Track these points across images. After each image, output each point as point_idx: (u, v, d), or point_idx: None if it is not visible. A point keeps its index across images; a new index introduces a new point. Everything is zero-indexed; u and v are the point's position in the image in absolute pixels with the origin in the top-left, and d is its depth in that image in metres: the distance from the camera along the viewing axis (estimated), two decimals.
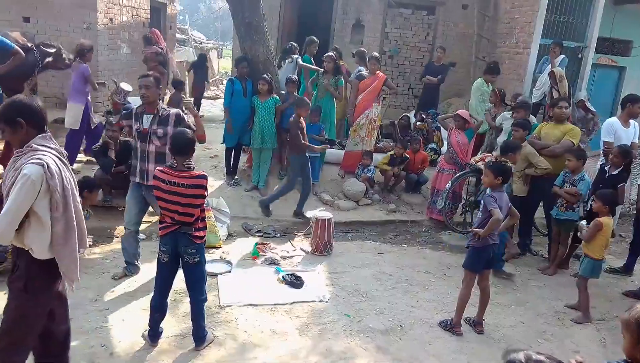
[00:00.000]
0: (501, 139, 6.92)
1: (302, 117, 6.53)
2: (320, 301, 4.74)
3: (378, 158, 7.86)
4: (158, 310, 3.85)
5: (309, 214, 6.70)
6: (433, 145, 8.67)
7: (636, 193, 6.72)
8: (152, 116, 4.49)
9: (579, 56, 10.30)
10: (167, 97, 8.98)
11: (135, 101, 6.45)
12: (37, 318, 2.86)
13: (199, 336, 3.85)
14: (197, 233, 3.67)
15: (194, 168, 3.65)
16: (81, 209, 2.94)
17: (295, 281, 4.99)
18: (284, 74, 7.71)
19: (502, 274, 5.54)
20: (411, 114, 9.48)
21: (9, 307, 2.82)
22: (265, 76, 6.97)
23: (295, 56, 7.95)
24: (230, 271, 5.19)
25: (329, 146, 7.29)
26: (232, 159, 7.41)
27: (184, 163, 3.60)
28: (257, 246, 5.88)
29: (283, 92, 7.29)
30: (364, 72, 7.93)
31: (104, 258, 5.32)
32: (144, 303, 4.25)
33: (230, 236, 6.19)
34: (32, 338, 2.88)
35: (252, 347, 3.96)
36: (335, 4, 11.84)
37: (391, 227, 6.98)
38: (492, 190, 4.31)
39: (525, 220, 6.29)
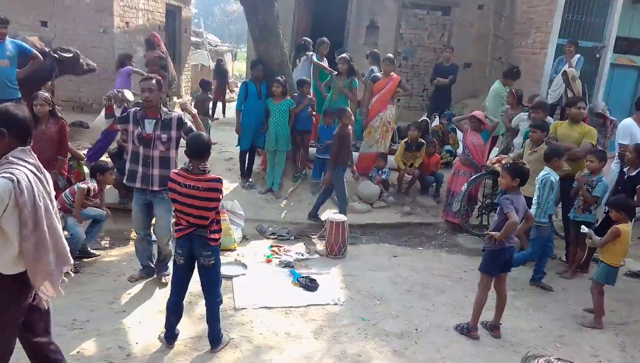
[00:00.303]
0: (518, 140, 6.86)
1: (348, 127, 6.44)
2: (335, 304, 4.73)
3: (393, 159, 7.82)
4: (174, 312, 3.87)
5: (323, 216, 6.69)
6: (449, 147, 8.60)
7: None
8: (154, 120, 4.39)
9: (597, 55, 10.17)
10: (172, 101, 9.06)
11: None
12: (5, 332, 2.76)
13: (215, 338, 3.87)
14: (212, 236, 3.68)
15: (209, 171, 3.67)
16: (59, 228, 2.78)
17: (309, 284, 4.98)
18: (300, 73, 7.70)
19: (540, 285, 5.45)
20: (425, 116, 9.41)
21: None
22: (279, 78, 6.98)
23: (310, 53, 7.94)
24: (245, 274, 5.20)
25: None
26: (246, 161, 7.43)
27: (200, 166, 3.62)
28: (272, 248, 5.90)
29: (295, 94, 7.29)
30: (378, 73, 7.91)
31: (120, 260, 5.36)
32: (161, 305, 4.28)
33: (245, 238, 6.21)
34: (5, 350, 2.78)
35: (267, 349, 3.96)
36: (350, 5, 11.83)
37: (406, 230, 6.94)
38: (509, 192, 4.26)
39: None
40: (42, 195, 2.66)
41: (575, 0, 9.89)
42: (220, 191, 3.66)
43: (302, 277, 5.10)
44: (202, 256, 3.69)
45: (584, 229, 4.86)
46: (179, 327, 3.96)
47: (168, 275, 4.63)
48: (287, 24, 11.24)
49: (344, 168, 6.47)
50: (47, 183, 2.77)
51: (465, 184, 6.56)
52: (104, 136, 6.91)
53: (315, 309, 4.62)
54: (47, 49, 7.38)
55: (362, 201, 7.33)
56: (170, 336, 3.89)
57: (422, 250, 6.38)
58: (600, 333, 4.60)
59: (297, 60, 8.09)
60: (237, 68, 23.72)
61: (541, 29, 10.26)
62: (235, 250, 5.82)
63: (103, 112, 6.96)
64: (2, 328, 2.74)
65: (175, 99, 12.51)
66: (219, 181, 3.67)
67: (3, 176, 2.50)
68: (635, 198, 5.25)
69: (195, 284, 4.01)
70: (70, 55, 7.55)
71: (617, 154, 6.22)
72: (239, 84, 9.02)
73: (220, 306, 3.91)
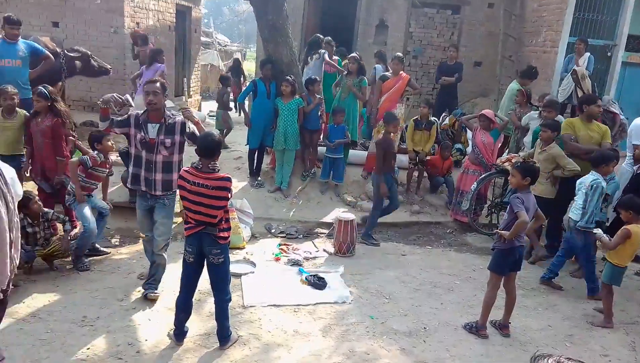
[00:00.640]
0: (527, 139, 6.81)
1: (392, 134, 6.32)
2: (344, 302, 4.74)
3: (402, 158, 7.80)
4: (183, 310, 3.90)
5: (331, 215, 6.70)
6: (459, 145, 8.56)
7: None
8: (158, 125, 4.26)
9: (609, 54, 10.08)
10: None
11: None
12: None
13: (224, 335, 3.89)
14: (221, 234, 3.70)
15: (219, 169, 3.69)
16: (6, 237, 2.76)
17: (318, 282, 4.99)
18: (312, 72, 7.68)
19: (550, 284, 5.41)
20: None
21: None
22: (288, 77, 7.00)
23: (322, 51, 7.92)
24: (253, 272, 5.22)
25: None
26: (255, 160, 7.46)
27: (210, 165, 3.64)
28: (280, 247, 5.92)
29: (304, 93, 7.30)
30: (387, 73, 7.90)
31: (130, 258, 5.41)
32: (170, 302, 4.31)
33: (254, 237, 6.23)
34: None
35: (275, 346, 3.98)
36: (359, 4, 11.82)
37: (415, 228, 6.93)
38: (519, 191, 4.24)
39: (553, 222, 6.19)
40: None
41: None
42: (229, 190, 3.68)
43: (311, 275, 5.12)
44: (212, 254, 3.71)
45: (597, 231, 4.82)
46: (188, 324, 3.99)
47: (156, 293, 4.54)
48: (297, 23, 11.25)
49: (390, 177, 6.26)
50: (7, 189, 2.75)
51: (475, 183, 6.53)
52: None
53: (323, 307, 4.63)
54: (58, 50, 7.45)
55: (370, 200, 7.32)
56: (179, 333, 3.92)
57: (430, 248, 6.37)
58: (610, 332, 4.56)
59: (309, 58, 8.06)
60: (247, 68, 23.77)
61: (552, 27, 10.19)
62: (244, 248, 5.85)
63: None
64: None
65: (183, 98, 12.58)
66: (228, 179, 3.68)
67: None
68: None
69: (204, 282, 4.04)
70: (78, 55, 7.59)
71: (629, 154, 6.13)
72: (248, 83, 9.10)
73: (229, 304, 3.93)
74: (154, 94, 4.21)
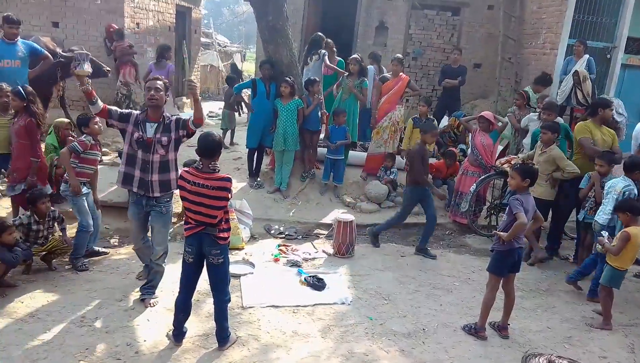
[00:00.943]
0: (527, 141, 6.83)
1: (428, 145, 6.08)
2: (343, 303, 4.74)
3: (401, 160, 7.81)
4: (182, 310, 3.90)
5: (331, 216, 6.70)
6: (463, 146, 8.55)
7: None
8: (156, 124, 4.20)
9: (608, 56, 10.09)
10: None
11: None
12: None
13: (222, 336, 3.89)
14: (221, 234, 3.70)
15: (219, 170, 3.69)
16: None
17: (317, 283, 4.99)
18: (312, 73, 7.67)
19: (575, 285, 5.37)
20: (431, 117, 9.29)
21: None
22: (287, 78, 7.00)
23: (323, 52, 7.88)
24: (252, 273, 5.22)
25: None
26: (254, 161, 7.46)
27: (210, 165, 3.64)
28: (279, 248, 5.91)
29: (304, 95, 7.30)
30: (387, 74, 7.91)
31: (129, 258, 5.40)
32: (169, 303, 4.31)
33: (253, 237, 6.23)
34: None
35: (274, 347, 3.97)
36: (359, 6, 11.83)
37: (414, 230, 6.92)
38: (519, 193, 4.24)
39: (553, 224, 6.19)
40: None
41: (586, 0, 9.81)
42: (229, 190, 3.68)
43: (310, 276, 5.11)
44: (211, 254, 3.71)
45: (603, 234, 4.81)
46: (186, 325, 3.99)
47: (155, 298, 4.51)
48: (297, 24, 11.26)
49: (423, 189, 6.02)
50: None
51: (474, 184, 6.54)
52: None
53: (322, 308, 4.63)
54: (58, 50, 7.45)
55: (370, 201, 7.33)
56: (178, 334, 3.92)
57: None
58: (609, 334, 4.56)
59: (309, 58, 8.04)
60: (247, 69, 23.77)
61: (551, 29, 10.20)
62: (243, 249, 5.85)
63: None
64: None
65: (183, 99, 12.57)
66: (229, 180, 3.68)
67: None
68: None
69: (203, 282, 4.04)
70: (71, 55, 7.50)
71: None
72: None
73: (228, 305, 3.93)
74: (156, 90, 4.16)
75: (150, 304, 4.44)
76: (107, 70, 8.14)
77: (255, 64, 12.08)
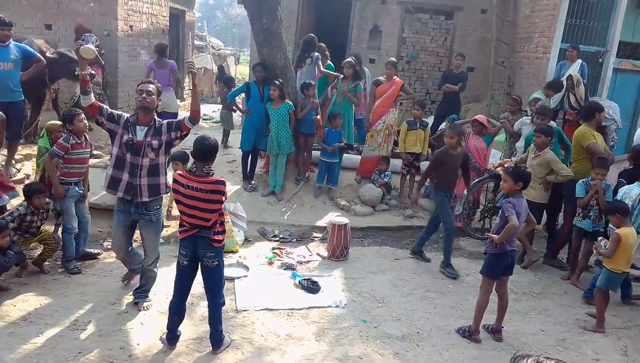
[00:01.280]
0: (520, 144, 6.86)
1: (451, 148, 5.66)
2: (337, 306, 4.73)
3: (395, 163, 7.83)
4: (176, 313, 3.88)
5: (325, 219, 6.70)
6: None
7: None
8: (146, 127, 4.13)
9: (600, 60, 10.18)
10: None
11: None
12: None
13: (216, 340, 3.88)
14: (215, 237, 3.69)
15: (213, 173, 3.69)
16: None
17: (311, 287, 4.99)
18: (306, 76, 7.66)
19: (633, 299, 5.32)
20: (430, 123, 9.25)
21: None
22: (275, 82, 6.93)
23: (317, 55, 7.85)
24: (247, 276, 5.21)
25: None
26: (248, 164, 7.45)
27: (204, 168, 3.63)
28: (274, 251, 5.91)
29: (300, 99, 7.29)
30: (381, 77, 7.92)
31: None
32: (163, 306, 4.29)
33: (247, 240, 6.22)
34: None
35: (268, 351, 3.96)
36: (353, 9, 11.87)
37: (408, 233, 6.94)
38: (512, 196, 4.26)
39: (549, 226, 6.22)
40: None
41: (578, 5, 9.90)
42: (223, 193, 3.67)
43: (304, 279, 5.11)
44: (206, 257, 3.70)
45: (600, 239, 4.83)
46: (180, 328, 3.97)
47: (149, 302, 4.48)
48: (291, 27, 11.28)
49: (447, 192, 5.79)
50: None
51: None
52: None
53: (317, 311, 4.62)
54: (47, 53, 7.39)
55: (364, 204, 7.34)
56: (172, 337, 3.90)
57: (424, 252, 6.36)
58: (602, 337, 4.59)
59: (302, 62, 7.99)
60: (240, 71, 23.78)
61: (544, 33, 10.27)
62: (237, 252, 5.84)
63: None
64: None
65: (179, 102, 12.54)
66: (222, 183, 3.68)
67: None
68: None
69: (197, 285, 4.02)
70: (56, 57, 7.38)
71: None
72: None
73: (223, 308, 3.92)
74: (148, 93, 4.09)
75: (143, 307, 4.41)
76: (92, 73, 7.86)
77: (249, 67, 12.07)
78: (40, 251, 5.01)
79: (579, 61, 8.58)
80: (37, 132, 7.51)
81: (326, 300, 4.81)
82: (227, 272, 4.79)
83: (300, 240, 6.42)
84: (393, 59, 8.23)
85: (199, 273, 3.85)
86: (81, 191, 5.13)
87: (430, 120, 9.19)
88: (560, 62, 9.13)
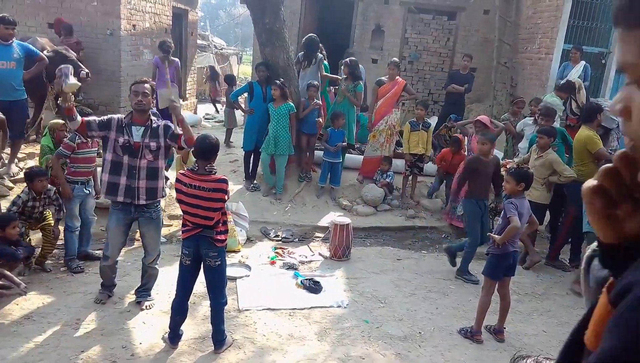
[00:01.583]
0: (523, 145, 6.86)
1: (482, 155, 5.44)
2: (339, 306, 4.74)
3: (397, 163, 7.82)
4: (179, 313, 3.88)
5: (327, 219, 6.70)
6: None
7: None
8: (142, 128, 4.10)
9: (603, 61, 10.16)
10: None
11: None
12: None
13: (218, 339, 3.88)
14: (218, 236, 3.70)
15: (215, 172, 3.69)
16: None
17: (313, 286, 4.99)
18: (309, 77, 7.64)
19: None
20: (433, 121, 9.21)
21: None
22: (277, 81, 6.93)
23: (320, 56, 7.80)
24: (249, 276, 5.21)
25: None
26: (251, 163, 7.45)
27: (206, 167, 3.64)
28: (276, 250, 5.91)
29: (303, 99, 7.29)
30: (384, 77, 7.92)
31: (124, 260, 5.36)
32: (165, 305, 4.29)
33: (249, 240, 6.22)
34: None
35: (270, 350, 3.97)
36: (355, 9, 11.86)
37: (410, 233, 6.95)
38: (514, 197, 4.26)
39: (552, 227, 6.22)
40: None
41: (580, 6, 9.87)
42: (225, 191, 3.68)
43: (306, 279, 5.11)
44: (209, 256, 3.70)
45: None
46: (183, 327, 3.97)
47: (151, 301, 4.49)
48: (293, 27, 11.28)
49: (479, 201, 5.57)
50: None
51: None
52: None
53: (318, 311, 4.63)
54: (44, 52, 7.38)
55: (366, 204, 7.34)
56: (174, 336, 3.91)
57: (425, 253, 6.37)
58: None
59: (306, 62, 7.93)
60: (243, 71, 23.79)
61: (547, 34, 10.26)
62: (239, 251, 5.84)
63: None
64: None
65: (181, 101, 12.55)
66: (225, 181, 3.68)
67: None
68: None
69: (199, 285, 4.03)
70: (52, 55, 7.34)
71: None
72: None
73: (225, 308, 3.92)
74: (143, 95, 4.06)
75: (146, 307, 4.42)
76: (85, 71, 7.79)
77: (252, 67, 12.07)
78: (44, 223, 5.00)
79: (583, 62, 8.55)
80: (40, 131, 7.51)
81: (328, 300, 4.81)
82: (230, 272, 4.80)
83: (302, 239, 6.42)
84: (395, 59, 8.23)
85: (201, 272, 3.86)
86: (87, 192, 5.15)
87: (432, 120, 9.19)
88: (564, 64, 9.11)
